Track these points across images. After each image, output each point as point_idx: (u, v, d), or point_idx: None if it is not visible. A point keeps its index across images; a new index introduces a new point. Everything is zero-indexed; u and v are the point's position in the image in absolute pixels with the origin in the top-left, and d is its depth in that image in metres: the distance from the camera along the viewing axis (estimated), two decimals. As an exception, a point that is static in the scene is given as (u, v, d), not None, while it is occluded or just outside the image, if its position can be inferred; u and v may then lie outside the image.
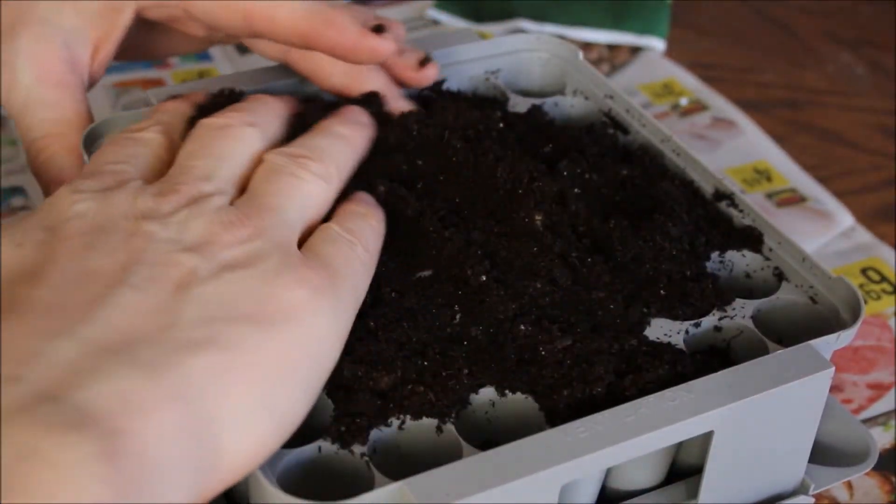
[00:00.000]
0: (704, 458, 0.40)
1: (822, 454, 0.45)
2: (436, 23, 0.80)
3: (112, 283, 0.34)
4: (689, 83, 0.76)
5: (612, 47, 0.79)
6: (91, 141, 0.48)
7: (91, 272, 0.34)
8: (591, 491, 0.41)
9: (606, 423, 0.38)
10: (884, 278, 0.61)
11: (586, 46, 0.78)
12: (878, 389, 0.55)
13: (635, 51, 0.79)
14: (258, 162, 0.41)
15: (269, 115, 0.43)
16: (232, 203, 0.39)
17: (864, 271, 0.62)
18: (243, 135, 0.41)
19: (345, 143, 0.43)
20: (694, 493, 0.42)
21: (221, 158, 0.40)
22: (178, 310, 0.34)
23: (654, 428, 0.38)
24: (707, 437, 0.40)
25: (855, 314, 0.43)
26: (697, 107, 0.74)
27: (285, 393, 0.35)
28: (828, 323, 0.44)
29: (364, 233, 0.41)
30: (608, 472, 0.42)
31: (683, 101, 0.74)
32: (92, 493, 0.28)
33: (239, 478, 0.34)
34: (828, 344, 0.42)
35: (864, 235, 0.64)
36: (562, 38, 0.59)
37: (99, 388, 0.31)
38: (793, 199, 0.66)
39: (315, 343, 0.36)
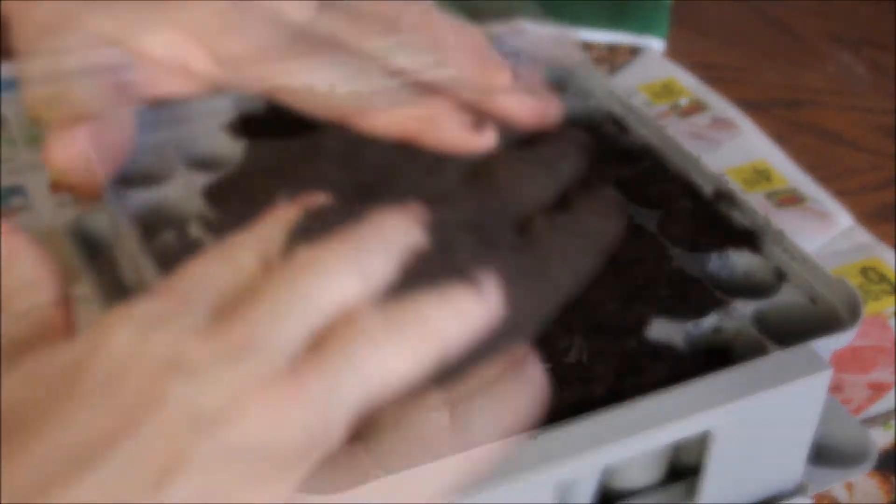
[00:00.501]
0: (703, 458, 0.40)
1: (822, 455, 0.45)
2: (436, 23, 0.80)
3: (89, 459, 0.30)
4: (689, 83, 0.76)
5: (612, 47, 0.78)
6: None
7: (76, 440, 0.30)
8: (590, 490, 0.41)
9: (605, 423, 0.38)
10: (883, 278, 0.61)
11: (586, 46, 0.77)
12: (878, 389, 0.55)
13: (635, 51, 0.78)
14: (347, 312, 0.34)
15: (382, 254, 0.35)
16: (292, 362, 0.32)
17: (863, 271, 0.62)
18: (337, 279, 0.34)
19: (462, 317, 0.35)
20: (692, 493, 0.42)
21: (300, 304, 0.33)
22: None
23: (652, 427, 0.38)
24: (705, 437, 0.40)
25: (855, 315, 0.43)
26: (697, 107, 0.74)
27: None
28: (827, 324, 0.44)
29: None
30: (606, 471, 0.42)
31: (683, 101, 0.74)
32: None
33: None
34: (827, 345, 0.42)
35: (863, 235, 0.64)
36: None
37: None
38: (792, 199, 0.66)
39: None
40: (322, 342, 0.33)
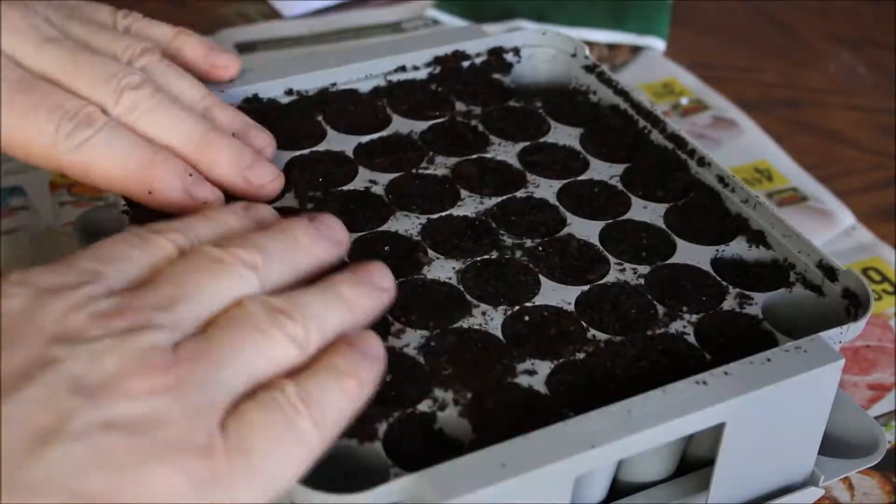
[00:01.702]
0: (716, 450, 0.40)
1: (832, 446, 0.45)
2: (436, 22, 0.80)
3: None
4: (690, 83, 0.76)
5: (612, 47, 0.79)
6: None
7: None
8: (604, 484, 0.41)
9: (619, 415, 0.38)
10: (885, 278, 0.61)
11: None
12: (879, 390, 0.55)
13: (635, 51, 0.79)
14: (235, 303, 0.35)
15: (284, 263, 0.37)
16: (178, 345, 0.33)
17: (864, 271, 0.62)
18: (236, 277, 0.35)
19: (346, 309, 0.36)
20: (705, 484, 0.41)
21: (195, 293, 0.34)
22: (23, 468, 0.29)
23: (666, 420, 0.38)
24: (718, 429, 0.40)
25: (864, 307, 0.43)
26: (698, 106, 0.74)
27: None
28: (836, 316, 0.44)
29: (327, 399, 0.34)
30: (619, 464, 0.42)
31: (684, 101, 0.74)
32: None
33: None
34: (836, 336, 0.42)
35: (864, 235, 0.64)
36: (563, 36, 0.59)
37: None
38: (794, 198, 0.66)
39: None
40: (209, 327, 0.34)
